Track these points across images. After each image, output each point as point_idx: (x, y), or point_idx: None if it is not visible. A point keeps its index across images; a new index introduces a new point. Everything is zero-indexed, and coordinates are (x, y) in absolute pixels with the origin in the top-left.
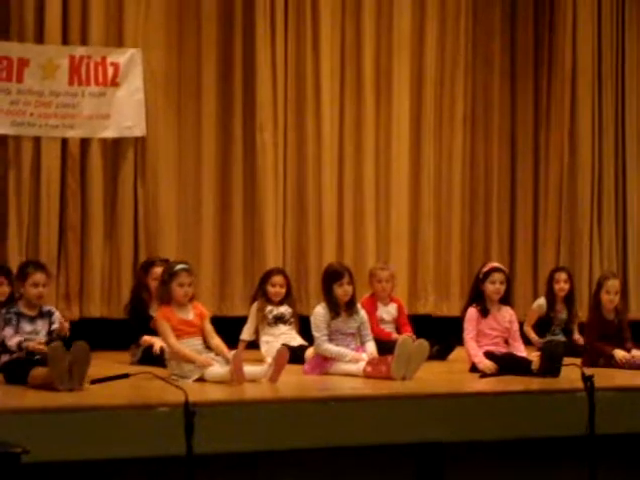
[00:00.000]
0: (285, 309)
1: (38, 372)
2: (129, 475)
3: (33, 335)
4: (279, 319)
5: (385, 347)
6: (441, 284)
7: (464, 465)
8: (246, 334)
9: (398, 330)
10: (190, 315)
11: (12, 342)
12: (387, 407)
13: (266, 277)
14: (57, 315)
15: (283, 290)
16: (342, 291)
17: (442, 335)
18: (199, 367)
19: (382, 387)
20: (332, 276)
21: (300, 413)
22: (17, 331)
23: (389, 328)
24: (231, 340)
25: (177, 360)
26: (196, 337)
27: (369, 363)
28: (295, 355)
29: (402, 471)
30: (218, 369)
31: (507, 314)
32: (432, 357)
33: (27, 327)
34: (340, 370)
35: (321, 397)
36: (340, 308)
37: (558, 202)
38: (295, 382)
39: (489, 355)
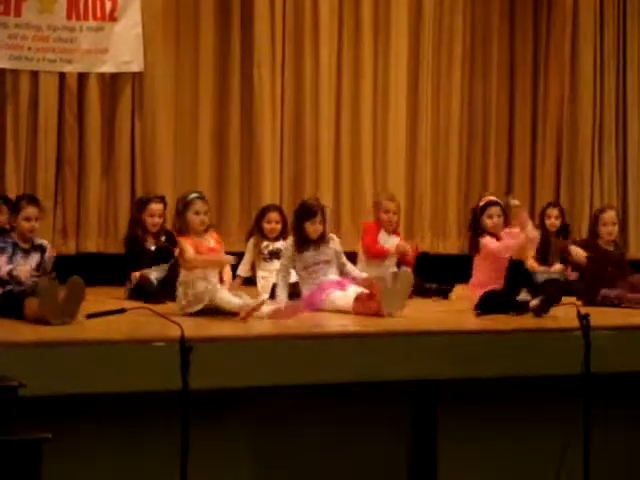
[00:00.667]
0: (281, 244)
1: (31, 303)
2: (125, 409)
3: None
4: (274, 254)
5: None
6: (438, 222)
7: (458, 403)
8: (242, 270)
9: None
10: (211, 242)
11: (3, 271)
12: (381, 344)
13: (262, 214)
14: (49, 249)
15: (279, 226)
16: (313, 229)
17: (441, 273)
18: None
19: (377, 324)
20: (305, 213)
21: (295, 349)
22: (11, 261)
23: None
24: None
25: (186, 285)
26: (213, 271)
27: (357, 299)
28: (292, 290)
29: (397, 408)
30: (231, 297)
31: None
32: (433, 295)
33: (21, 259)
34: (332, 306)
35: (315, 333)
36: (309, 243)
37: (557, 139)
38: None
39: (490, 294)
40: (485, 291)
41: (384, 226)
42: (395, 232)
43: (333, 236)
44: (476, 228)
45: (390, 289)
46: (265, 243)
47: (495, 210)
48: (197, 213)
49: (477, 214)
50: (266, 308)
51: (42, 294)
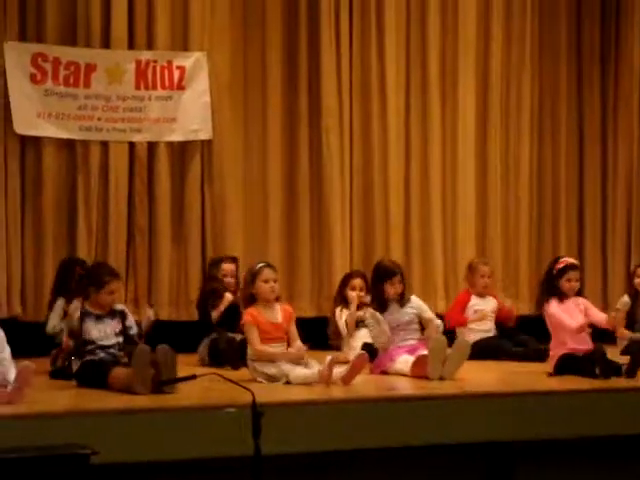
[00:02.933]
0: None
1: (119, 372)
2: (197, 476)
3: (101, 334)
4: (360, 322)
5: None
6: (510, 284)
7: (535, 465)
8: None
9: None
10: (278, 317)
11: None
12: (456, 406)
13: (345, 280)
14: (150, 313)
15: (362, 294)
16: (393, 290)
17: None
18: (290, 362)
19: (450, 387)
20: (383, 274)
21: (368, 413)
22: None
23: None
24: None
25: (261, 363)
26: (280, 343)
27: (415, 363)
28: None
29: (472, 471)
30: (305, 370)
31: (582, 302)
32: (529, 358)
33: (95, 325)
34: (394, 370)
35: (387, 397)
36: (389, 303)
37: (628, 201)
38: (361, 382)
39: (569, 357)
40: (562, 354)
41: (480, 289)
42: (491, 294)
43: (413, 296)
44: (551, 288)
45: (437, 353)
46: (352, 309)
47: (574, 275)
48: (266, 281)
49: (552, 275)
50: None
51: (138, 363)
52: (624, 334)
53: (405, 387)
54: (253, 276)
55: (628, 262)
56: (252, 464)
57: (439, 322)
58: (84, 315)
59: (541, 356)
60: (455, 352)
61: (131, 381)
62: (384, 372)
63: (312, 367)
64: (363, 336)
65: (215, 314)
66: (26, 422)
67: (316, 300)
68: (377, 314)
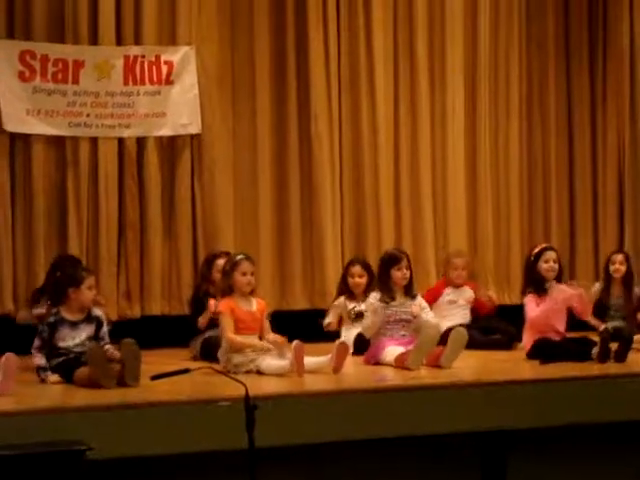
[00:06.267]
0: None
1: (82, 373)
2: (191, 470)
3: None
4: (360, 315)
5: None
6: (501, 273)
7: (528, 453)
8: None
9: (477, 311)
10: (253, 307)
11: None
12: (447, 396)
13: (346, 269)
14: (105, 326)
15: (363, 280)
16: (401, 275)
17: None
18: (258, 352)
19: (440, 375)
20: (390, 260)
21: (360, 404)
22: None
23: (464, 309)
24: (291, 335)
25: (228, 354)
26: (254, 334)
27: (401, 355)
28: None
29: (466, 461)
30: (277, 361)
31: (563, 293)
32: (497, 346)
33: (68, 332)
34: (385, 360)
35: (379, 387)
36: (396, 292)
37: (619, 183)
38: (352, 372)
39: (544, 341)
40: (537, 339)
41: (452, 282)
42: (467, 285)
43: (419, 295)
44: (531, 275)
45: (425, 344)
46: (352, 305)
47: (551, 255)
48: (244, 274)
49: (531, 261)
50: (324, 359)
51: (93, 361)
52: (597, 325)
53: (396, 377)
54: (231, 267)
55: (621, 246)
56: (246, 457)
57: (436, 323)
58: (57, 323)
59: (507, 344)
60: (452, 342)
61: (91, 380)
62: (378, 363)
63: (287, 356)
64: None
65: (202, 321)
66: (17, 418)
67: (308, 293)
68: (377, 306)
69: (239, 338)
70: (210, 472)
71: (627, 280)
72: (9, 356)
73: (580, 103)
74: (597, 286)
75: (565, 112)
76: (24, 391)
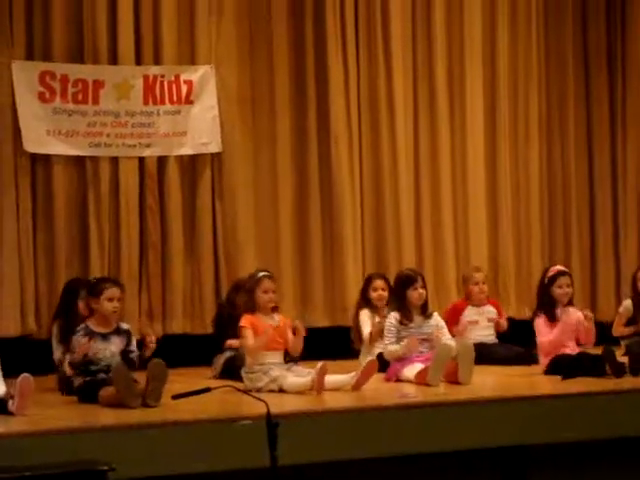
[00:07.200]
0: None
1: (107, 392)
2: None
3: (107, 352)
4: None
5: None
6: (522, 289)
7: (548, 468)
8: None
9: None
10: (276, 323)
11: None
12: (468, 412)
13: (367, 283)
14: (134, 339)
15: (385, 294)
16: (417, 295)
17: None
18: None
19: (461, 392)
20: (405, 281)
21: (382, 421)
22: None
23: (488, 329)
24: (313, 352)
25: (250, 374)
26: (280, 349)
27: (420, 372)
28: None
29: (487, 476)
30: (298, 379)
31: (574, 315)
32: (515, 361)
33: (99, 344)
34: (404, 377)
35: (402, 404)
36: (413, 313)
37: (638, 199)
38: (374, 389)
39: (562, 357)
40: (555, 355)
41: (476, 298)
42: (489, 301)
43: (435, 313)
44: (544, 297)
45: (441, 359)
46: (377, 319)
47: (565, 280)
48: (266, 292)
49: (544, 284)
50: (346, 377)
51: (117, 380)
52: (624, 332)
53: (417, 394)
54: (253, 285)
55: None
56: (269, 475)
57: (452, 344)
58: (89, 335)
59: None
60: (461, 356)
61: (117, 399)
62: (398, 380)
63: (309, 374)
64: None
65: (229, 343)
66: (37, 439)
67: (330, 310)
68: (414, 344)
69: (257, 340)
70: None
71: None
72: (25, 377)
73: (600, 122)
74: (626, 303)
75: (585, 131)
76: (44, 412)
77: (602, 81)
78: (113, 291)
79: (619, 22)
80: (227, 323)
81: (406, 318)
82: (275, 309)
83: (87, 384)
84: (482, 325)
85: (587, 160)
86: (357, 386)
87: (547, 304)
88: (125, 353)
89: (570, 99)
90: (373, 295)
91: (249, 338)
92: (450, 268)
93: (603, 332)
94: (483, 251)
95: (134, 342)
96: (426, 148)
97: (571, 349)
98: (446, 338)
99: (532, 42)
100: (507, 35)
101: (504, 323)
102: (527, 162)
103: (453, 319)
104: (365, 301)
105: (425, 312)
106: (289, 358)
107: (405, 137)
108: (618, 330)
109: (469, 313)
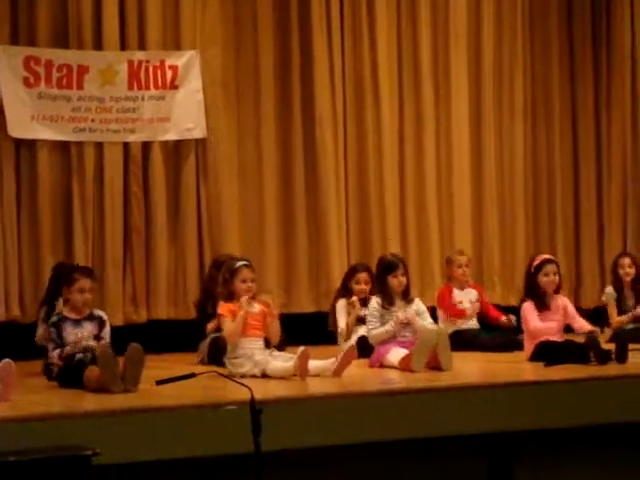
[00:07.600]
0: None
1: (92, 373)
2: (197, 474)
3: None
4: (361, 320)
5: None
6: (507, 274)
7: (533, 455)
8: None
9: (485, 316)
10: (256, 310)
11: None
12: (452, 398)
13: (350, 274)
14: (108, 327)
15: (368, 287)
16: (397, 282)
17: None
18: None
19: (444, 378)
20: (386, 267)
21: (366, 407)
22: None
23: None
24: (297, 337)
25: (232, 360)
26: (260, 335)
27: (405, 358)
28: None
29: (472, 462)
30: (281, 363)
31: (561, 302)
32: (500, 348)
33: (70, 329)
34: (388, 363)
35: (384, 390)
36: (394, 298)
37: (623, 184)
38: (358, 375)
39: (547, 344)
40: (540, 342)
41: (459, 280)
42: (470, 286)
43: (416, 299)
44: (530, 286)
45: (424, 345)
46: (357, 307)
47: (551, 268)
48: (244, 281)
49: (531, 272)
50: (327, 363)
51: (102, 363)
52: (623, 321)
53: (401, 380)
54: (231, 274)
55: (624, 248)
56: (253, 461)
57: (432, 328)
58: (60, 321)
59: (512, 346)
60: (438, 343)
61: (100, 382)
62: (382, 365)
63: (292, 359)
64: (360, 332)
65: (210, 327)
66: (21, 425)
67: (314, 295)
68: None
69: (235, 321)
70: (216, 476)
71: (636, 283)
72: (6, 363)
73: (584, 107)
74: (609, 290)
75: (569, 117)
76: (27, 397)
77: (587, 67)
78: (84, 282)
79: (604, 9)
80: (209, 306)
81: (388, 303)
82: (253, 297)
83: (66, 368)
84: (464, 306)
85: (572, 146)
86: (337, 372)
87: (534, 292)
88: (97, 339)
89: (555, 86)
90: (355, 287)
91: (228, 324)
92: (434, 252)
93: (588, 319)
94: (467, 236)
95: (107, 329)
96: (411, 133)
97: (558, 336)
98: (427, 323)
99: (517, 29)
100: (492, 22)
101: (512, 318)
102: (512, 148)
103: (444, 303)
104: (345, 290)
105: (406, 297)
106: (274, 346)
107: (390, 122)
108: (616, 320)
109: (455, 295)
